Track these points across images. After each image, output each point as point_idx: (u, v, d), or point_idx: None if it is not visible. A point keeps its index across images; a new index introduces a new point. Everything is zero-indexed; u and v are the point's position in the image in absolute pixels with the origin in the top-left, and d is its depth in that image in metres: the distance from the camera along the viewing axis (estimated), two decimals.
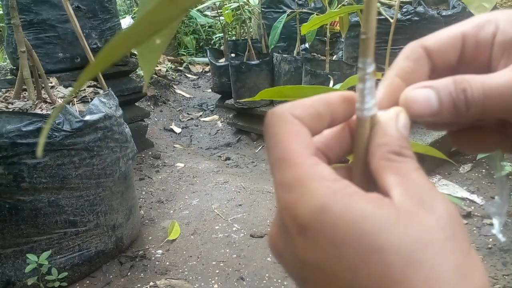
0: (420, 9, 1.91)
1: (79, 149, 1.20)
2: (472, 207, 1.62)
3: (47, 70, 1.56)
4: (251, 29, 3.27)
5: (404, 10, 1.92)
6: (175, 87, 3.39)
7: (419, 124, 0.22)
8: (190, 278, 1.32)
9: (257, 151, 2.41)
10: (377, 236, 0.17)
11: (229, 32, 3.83)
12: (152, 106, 2.92)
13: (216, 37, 4.04)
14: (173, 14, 0.15)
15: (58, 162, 1.17)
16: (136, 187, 1.77)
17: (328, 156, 0.23)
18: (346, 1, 1.78)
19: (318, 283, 0.19)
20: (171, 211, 1.72)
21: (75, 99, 1.38)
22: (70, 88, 1.50)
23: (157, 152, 2.31)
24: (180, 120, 2.92)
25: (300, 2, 2.64)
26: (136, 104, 2.42)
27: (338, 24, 2.35)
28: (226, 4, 2.80)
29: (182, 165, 2.18)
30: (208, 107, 3.16)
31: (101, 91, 1.39)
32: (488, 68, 0.23)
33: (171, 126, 2.77)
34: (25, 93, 1.35)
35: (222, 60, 3.03)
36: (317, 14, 1.64)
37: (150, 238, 1.54)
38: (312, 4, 2.56)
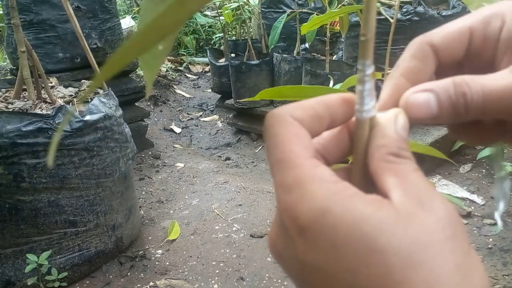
0: (420, 9, 1.91)
1: (79, 149, 1.20)
2: (472, 207, 1.62)
3: (47, 70, 1.56)
4: (251, 29, 3.27)
5: (404, 10, 1.92)
6: (175, 87, 3.39)
7: (419, 123, 0.22)
8: (190, 278, 1.32)
9: (257, 151, 2.41)
10: (377, 237, 0.17)
11: (229, 32, 3.83)
12: (152, 106, 2.92)
13: (216, 37, 4.04)
14: (182, 17, 0.15)
15: (58, 162, 1.17)
16: (136, 187, 1.77)
17: (326, 158, 0.23)
18: (346, 1, 1.78)
19: (318, 285, 0.19)
20: (171, 211, 1.72)
21: (75, 99, 1.38)
22: (70, 88, 1.49)
23: (157, 152, 2.31)
24: (180, 120, 2.92)
25: (300, 2, 2.64)
26: (136, 104, 2.42)
27: (338, 24, 2.35)
28: (226, 4, 2.79)
29: (182, 165, 2.18)
30: (208, 107, 3.16)
31: (101, 91, 1.39)
32: (493, 63, 0.23)
33: (171, 126, 2.77)
34: (25, 93, 1.35)
35: (222, 60, 3.03)
36: (317, 14, 1.64)
37: (150, 238, 1.54)
38: (312, 4, 2.56)
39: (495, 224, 1.51)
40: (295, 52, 2.41)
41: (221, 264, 1.38)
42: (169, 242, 1.50)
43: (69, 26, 1.77)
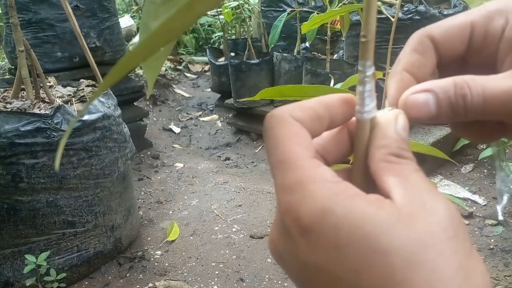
0: (421, 8, 1.90)
1: (78, 149, 1.19)
2: (474, 208, 1.61)
3: (45, 69, 1.55)
4: (251, 28, 3.26)
5: (405, 9, 1.91)
6: (174, 86, 3.38)
7: (418, 123, 0.22)
8: (190, 279, 1.32)
9: (257, 151, 2.40)
10: (379, 237, 0.17)
11: (229, 31, 3.82)
12: (151, 106, 2.91)
13: (215, 36, 4.03)
14: (190, 21, 0.16)
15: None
16: (135, 188, 1.76)
17: (325, 158, 0.23)
18: (347, 0, 1.77)
19: (320, 285, 0.19)
20: (170, 212, 1.71)
21: (73, 99, 1.38)
22: (68, 88, 1.49)
23: (156, 152, 2.30)
24: (179, 119, 2.91)
25: (300, 1, 2.63)
26: (135, 103, 2.41)
27: (338, 23, 2.34)
28: (225, 3, 2.78)
29: (181, 165, 2.18)
30: (208, 107, 3.15)
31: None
32: (495, 61, 0.23)
33: (170, 126, 2.76)
34: (23, 93, 1.34)
35: (222, 59, 3.02)
36: (317, 13, 1.63)
37: (149, 239, 1.53)
38: (313, 3, 2.55)
39: (497, 224, 1.50)
40: (295, 51, 2.41)
41: (221, 265, 1.37)
42: (168, 243, 1.49)
43: (67, 25, 1.76)
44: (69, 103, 1.35)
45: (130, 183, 1.45)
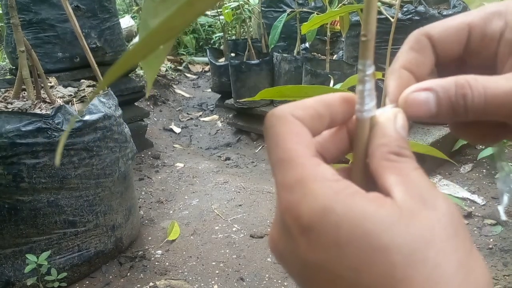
0: (421, 8, 1.90)
1: (79, 149, 1.20)
2: (473, 207, 1.62)
3: (46, 69, 1.55)
4: (251, 29, 3.26)
5: (405, 9, 1.92)
6: (174, 86, 3.39)
7: (418, 122, 0.22)
8: (190, 278, 1.32)
9: (257, 151, 2.41)
10: (379, 235, 0.17)
11: (229, 32, 3.82)
12: (151, 106, 2.92)
13: (216, 37, 4.04)
14: (190, 18, 0.16)
15: (58, 166, 1.16)
16: (136, 187, 1.76)
17: (324, 156, 0.23)
18: (347, 0, 1.77)
19: (320, 283, 0.19)
20: (171, 211, 1.72)
21: (74, 99, 1.38)
22: (69, 88, 1.49)
23: (157, 152, 2.31)
24: (179, 120, 2.92)
25: (300, 2, 2.64)
26: (136, 104, 2.42)
27: (338, 24, 2.34)
28: (226, 4, 2.79)
29: (181, 165, 2.18)
30: (208, 107, 3.16)
31: (100, 91, 1.39)
32: (494, 63, 0.23)
33: (170, 126, 2.76)
34: (24, 93, 1.35)
35: (222, 59, 3.03)
36: (317, 14, 1.64)
37: (150, 238, 1.53)
38: (313, 3, 2.55)
39: (496, 224, 1.50)
40: (295, 51, 2.41)
41: (221, 265, 1.37)
42: (168, 243, 1.50)
43: (68, 25, 1.77)
44: (70, 103, 1.35)
45: (131, 183, 1.46)
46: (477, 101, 0.21)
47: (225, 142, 2.56)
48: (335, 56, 2.59)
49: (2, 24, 2.47)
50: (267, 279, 1.30)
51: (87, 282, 1.31)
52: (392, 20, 0.64)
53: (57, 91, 1.44)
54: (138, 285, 1.29)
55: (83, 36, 1.31)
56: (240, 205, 1.73)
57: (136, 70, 2.74)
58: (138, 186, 1.91)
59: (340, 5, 1.76)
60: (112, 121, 1.30)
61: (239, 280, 1.30)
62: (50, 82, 1.50)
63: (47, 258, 1.18)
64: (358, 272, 0.17)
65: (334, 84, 0.81)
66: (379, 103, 0.24)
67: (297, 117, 0.21)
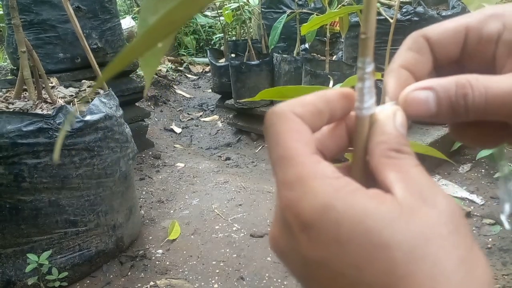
0: (420, 9, 1.91)
1: (80, 149, 1.20)
2: (472, 207, 1.62)
3: (47, 70, 1.56)
4: (251, 30, 3.27)
5: (404, 10, 1.92)
6: (175, 87, 3.40)
7: (417, 122, 0.23)
8: (190, 277, 1.32)
9: (257, 151, 2.41)
10: (380, 232, 0.17)
11: (229, 33, 3.83)
12: (152, 106, 2.93)
13: (216, 38, 4.04)
14: (191, 12, 0.16)
15: (58, 162, 1.17)
16: (137, 187, 1.77)
17: (323, 152, 0.23)
18: (346, 2, 1.78)
19: (322, 280, 0.19)
20: (171, 211, 1.72)
21: (75, 99, 1.39)
22: (70, 88, 1.50)
23: (158, 152, 2.31)
24: (180, 120, 2.92)
25: (300, 3, 2.65)
26: (137, 104, 2.42)
27: (338, 25, 2.35)
28: (226, 5, 2.80)
29: (182, 165, 2.19)
30: (208, 107, 3.17)
31: (101, 91, 1.40)
32: (493, 65, 0.23)
33: (171, 126, 2.77)
34: (25, 93, 1.35)
35: (222, 60, 3.03)
36: (317, 15, 1.65)
37: (151, 238, 1.54)
38: (312, 5, 2.56)
39: (495, 224, 1.51)
40: (295, 52, 2.42)
41: (221, 264, 1.38)
42: (169, 242, 1.50)
43: (69, 26, 1.77)
44: (71, 103, 1.36)
45: (132, 182, 1.46)
46: (478, 100, 0.20)
47: (226, 142, 2.56)
48: (334, 56, 2.59)
49: (3, 25, 2.48)
50: (267, 278, 1.31)
51: (88, 281, 1.31)
52: (391, 20, 0.65)
53: (58, 91, 1.44)
54: (139, 285, 1.30)
55: (84, 36, 1.31)
56: (240, 205, 1.73)
57: (137, 70, 2.74)
58: (139, 185, 1.92)
59: (339, 6, 1.77)
60: (113, 121, 1.30)
61: (239, 279, 1.30)
62: (51, 83, 1.50)
63: (48, 257, 1.18)
64: (359, 269, 0.17)
65: (333, 85, 0.82)
66: (378, 103, 0.25)
67: (297, 114, 0.21)
